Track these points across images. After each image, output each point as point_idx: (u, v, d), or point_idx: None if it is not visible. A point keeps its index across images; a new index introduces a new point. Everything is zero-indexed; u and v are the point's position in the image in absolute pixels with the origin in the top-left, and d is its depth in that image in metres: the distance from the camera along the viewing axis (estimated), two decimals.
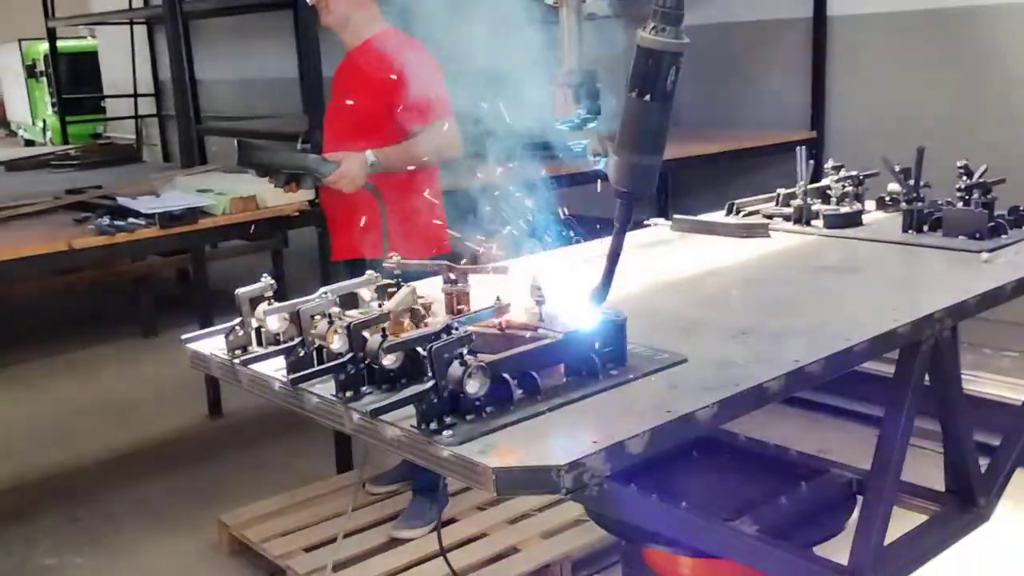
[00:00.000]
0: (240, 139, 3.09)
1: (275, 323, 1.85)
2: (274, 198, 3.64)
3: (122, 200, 3.65)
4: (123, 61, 10.73)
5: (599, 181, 1.79)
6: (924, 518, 2.27)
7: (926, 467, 2.49)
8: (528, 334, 1.68)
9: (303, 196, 3.59)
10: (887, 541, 2.02)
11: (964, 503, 2.22)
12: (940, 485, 2.34)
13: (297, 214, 3.74)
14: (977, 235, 2.49)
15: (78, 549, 3.63)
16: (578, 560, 3.27)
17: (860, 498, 2.27)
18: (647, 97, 1.58)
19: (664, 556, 2.30)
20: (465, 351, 1.50)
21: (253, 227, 3.69)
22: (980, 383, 4.09)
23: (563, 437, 1.44)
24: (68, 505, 3.97)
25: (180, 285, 7.66)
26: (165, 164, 8.72)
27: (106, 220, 3.45)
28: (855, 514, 2.23)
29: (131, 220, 3.46)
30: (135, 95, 10.77)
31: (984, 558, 3.09)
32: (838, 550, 2.06)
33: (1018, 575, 3.18)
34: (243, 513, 3.62)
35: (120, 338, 6.40)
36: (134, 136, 11.09)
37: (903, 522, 2.16)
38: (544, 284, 1.76)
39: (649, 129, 1.61)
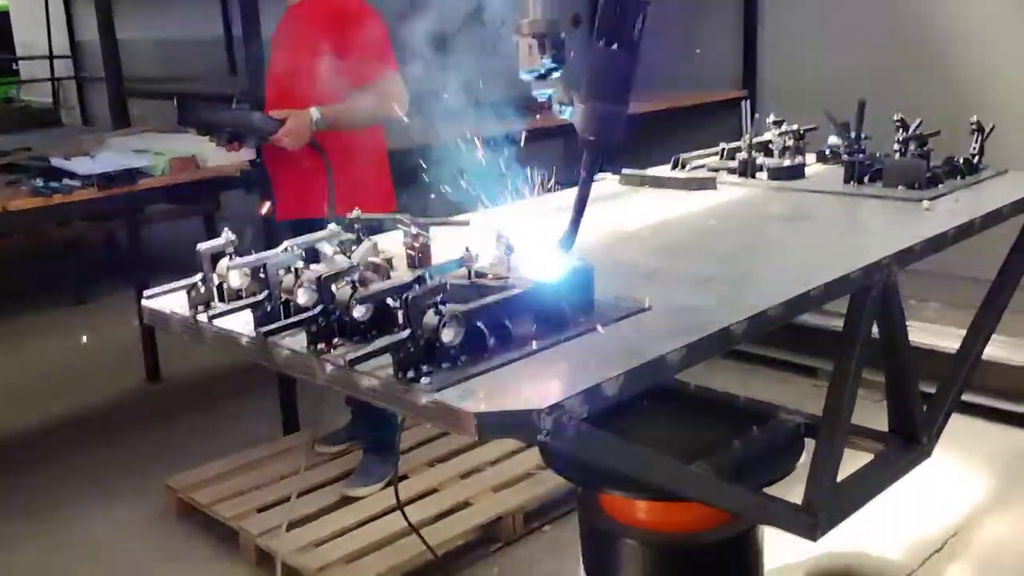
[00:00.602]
0: (179, 96, 3.02)
1: (237, 279, 1.83)
2: (214, 158, 3.58)
3: (55, 161, 3.54)
4: (37, 22, 10.35)
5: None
6: (870, 457, 2.36)
7: (859, 413, 2.59)
8: (497, 284, 1.70)
9: (244, 156, 3.53)
10: (838, 479, 2.11)
11: (908, 442, 2.32)
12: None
13: (238, 174, 3.68)
14: (916, 185, 2.58)
15: (21, 517, 3.55)
16: (530, 512, 3.32)
17: (808, 441, 2.35)
18: (614, 45, 1.60)
19: (621, 501, 2.36)
20: (439, 300, 1.51)
21: (192, 189, 3.62)
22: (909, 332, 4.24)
23: (540, 382, 1.47)
24: (6, 475, 3.88)
25: (108, 251, 7.48)
26: (86, 127, 8.46)
27: (40, 182, 3.36)
28: (803, 456, 2.32)
29: (66, 182, 3.37)
30: (51, 56, 10.41)
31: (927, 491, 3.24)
32: (786, 492, 2.14)
33: (957, 504, 3.33)
34: (190, 477, 3.59)
35: (49, 306, 6.23)
36: (51, 99, 10.73)
37: (850, 462, 2.25)
38: (509, 235, 1.78)
39: (616, 77, 1.63)
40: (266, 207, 3.31)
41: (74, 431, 4.35)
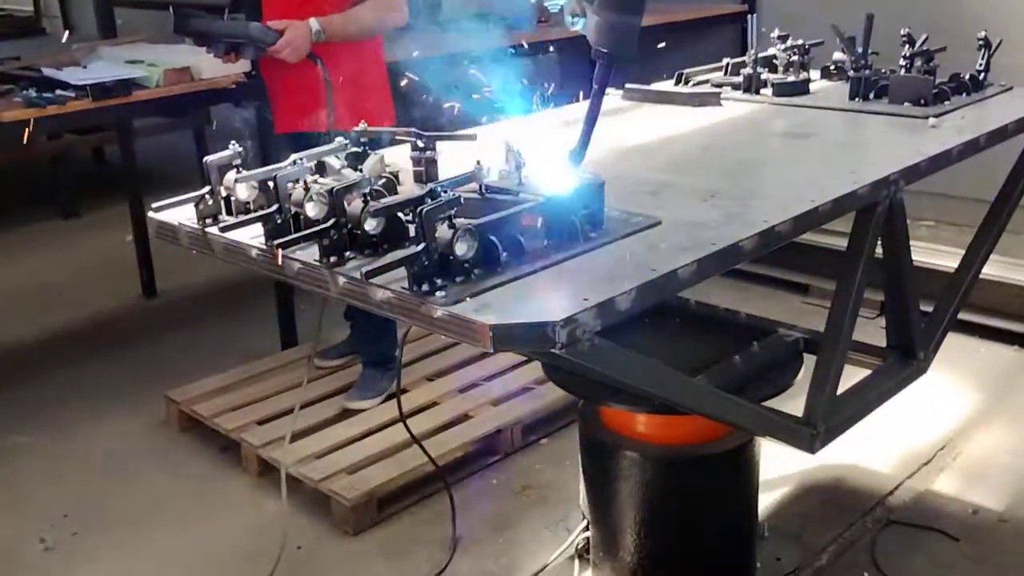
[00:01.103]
0: (176, 5, 2.95)
1: (245, 191, 1.82)
2: (210, 69, 3.52)
3: (47, 71, 3.47)
4: None
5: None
6: (867, 372, 2.40)
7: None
8: (508, 198, 1.69)
9: (241, 67, 3.47)
10: (837, 393, 2.14)
11: (906, 357, 2.36)
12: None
13: (233, 86, 3.62)
14: (922, 101, 2.57)
15: (22, 429, 3.59)
16: (528, 425, 3.38)
17: (807, 357, 2.39)
18: None
19: (622, 414, 2.40)
20: (452, 214, 1.51)
21: (187, 101, 3.57)
22: None
23: (553, 295, 1.48)
24: (5, 388, 3.90)
25: (97, 165, 7.40)
26: (70, 37, 8.27)
27: (32, 92, 3.30)
28: (801, 372, 2.36)
29: (59, 92, 3.31)
30: None
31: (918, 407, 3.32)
32: (784, 405, 2.18)
33: (947, 419, 3.41)
34: (191, 389, 3.62)
35: (39, 220, 6.18)
36: (32, 7, 10.47)
37: (848, 376, 2.28)
38: (519, 148, 1.77)
39: None
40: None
41: (71, 345, 4.36)
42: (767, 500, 2.94)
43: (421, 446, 2.78)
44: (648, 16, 5.19)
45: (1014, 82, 2.86)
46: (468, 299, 1.45)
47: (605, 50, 1.66)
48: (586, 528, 2.59)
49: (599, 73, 1.70)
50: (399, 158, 2.04)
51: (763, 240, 1.70)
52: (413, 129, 2.00)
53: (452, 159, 1.97)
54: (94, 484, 3.27)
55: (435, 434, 3.26)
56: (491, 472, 3.23)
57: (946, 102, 2.60)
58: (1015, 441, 3.27)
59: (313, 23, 3.05)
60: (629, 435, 2.39)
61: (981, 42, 2.79)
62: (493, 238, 1.54)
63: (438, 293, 1.46)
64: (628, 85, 2.89)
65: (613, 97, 2.89)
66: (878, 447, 3.20)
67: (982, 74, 2.78)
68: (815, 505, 2.97)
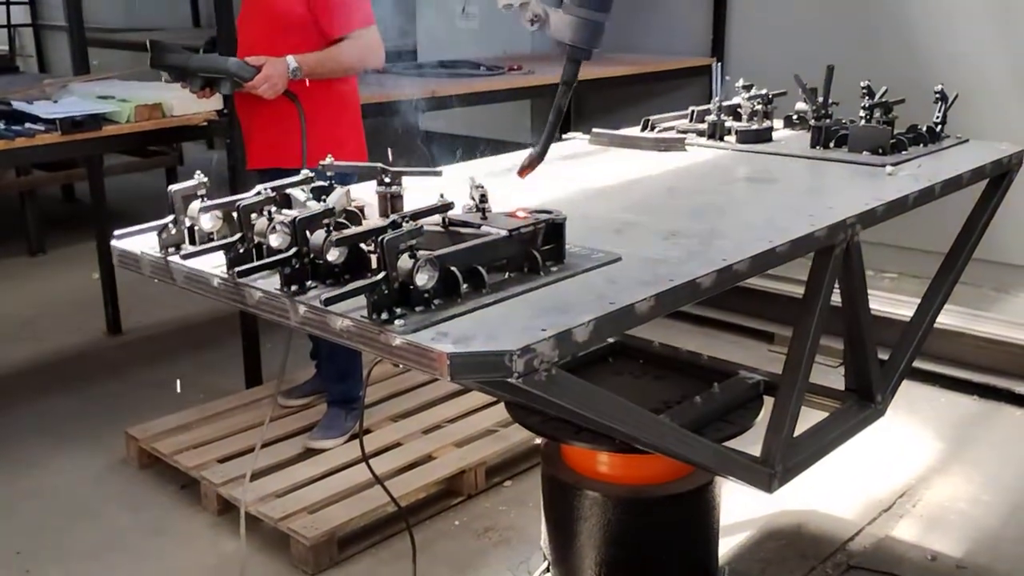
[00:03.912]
0: (153, 40, 2.97)
1: (208, 221, 1.83)
2: (181, 106, 3.54)
3: (17, 104, 3.47)
4: None
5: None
6: (825, 415, 2.42)
7: (818, 377, 2.66)
8: (471, 231, 1.71)
9: (213, 104, 3.49)
10: (795, 434, 2.16)
11: (863, 400, 2.38)
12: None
13: (205, 123, 3.64)
14: (880, 151, 2.63)
15: None
16: (492, 467, 3.37)
17: (767, 399, 2.41)
18: None
19: (583, 453, 2.41)
20: (414, 244, 1.53)
21: (158, 137, 3.58)
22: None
23: (512, 326, 1.48)
24: None
25: (66, 203, 7.37)
26: (44, 74, 8.28)
27: (1, 125, 3.30)
28: (762, 414, 2.38)
29: (28, 125, 3.32)
30: (8, 2, 10.17)
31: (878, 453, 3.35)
32: (743, 446, 2.19)
33: (907, 466, 3.44)
34: (152, 427, 3.58)
35: (4, 256, 6.13)
36: (7, 46, 10.49)
37: (806, 419, 2.31)
38: (483, 183, 1.80)
39: None
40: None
41: (34, 380, 4.31)
42: (729, 544, 2.95)
43: (383, 486, 2.74)
44: (621, 65, 5.28)
45: (970, 135, 2.93)
46: (427, 328, 1.45)
47: (577, 45, 1.71)
48: (547, 569, 2.58)
49: (567, 69, 1.75)
50: (365, 193, 2.06)
51: (721, 278, 1.72)
52: (379, 164, 2.02)
53: (418, 195, 1.99)
54: (50, 520, 3.21)
55: (398, 474, 3.24)
56: (453, 513, 3.21)
57: (903, 152, 2.66)
58: (974, 489, 3.30)
59: (291, 60, 3.08)
60: (591, 475, 2.39)
61: (938, 95, 2.87)
62: (454, 269, 1.56)
63: (397, 322, 1.47)
64: (595, 129, 2.94)
65: (580, 141, 2.94)
66: (839, 493, 3.22)
67: (939, 126, 2.85)
68: (776, 549, 2.98)
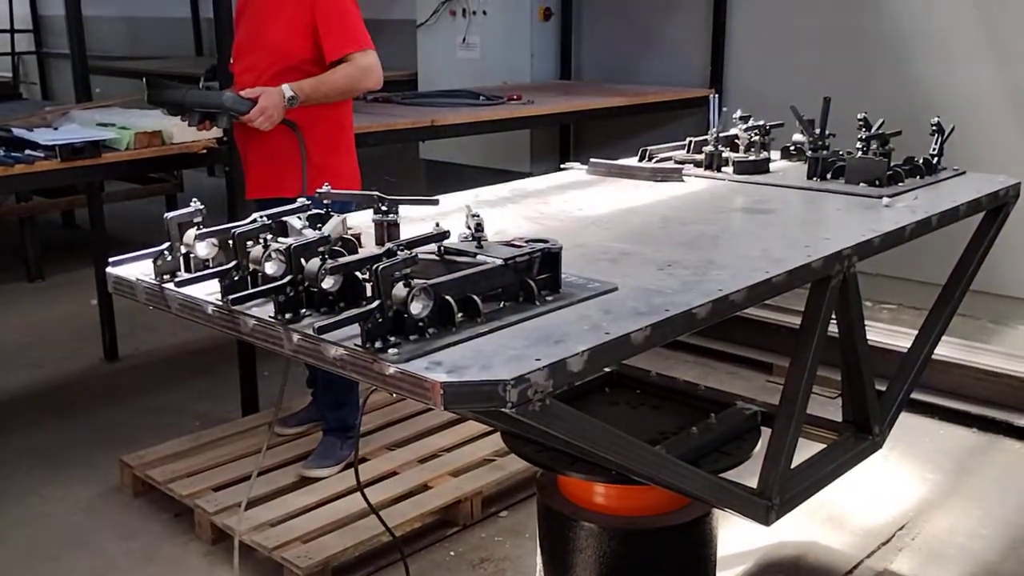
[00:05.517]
0: (149, 76, 2.99)
1: (204, 249, 1.83)
2: (180, 134, 3.55)
3: (17, 131, 3.48)
4: None
5: None
6: (823, 446, 2.41)
7: (816, 409, 2.65)
8: (466, 259, 1.71)
9: (212, 133, 3.50)
10: (792, 465, 2.15)
11: (861, 432, 2.37)
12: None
13: (204, 151, 3.65)
14: (877, 182, 2.64)
15: None
16: (488, 497, 3.34)
17: (764, 430, 2.40)
18: None
19: (579, 484, 2.39)
20: (408, 273, 1.53)
21: (157, 164, 3.59)
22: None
23: (506, 355, 1.48)
24: None
25: (66, 229, 7.38)
26: (47, 102, 8.34)
27: (0, 151, 3.31)
28: (759, 445, 2.37)
29: (28, 152, 3.32)
30: (12, 31, 10.25)
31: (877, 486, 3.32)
32: (741, 478, 2.18)
33: (906, 498, 3.42)
34: (147, 455, 3.55)
35: (3, 282, 6.13)
36: (11, 73, 10.57)
37: (804, 450, 2.29)
38: (479, 212, 1.80)
39: None
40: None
41: (29, 407, 4.28)
42: None
43: (378, 515, 2.73)
44: (614, 96, 5.33)
45: (967, 167, 2.94)
46: (421, 357, 1.45)
47: None
48: None
49: None
50: (361, 221, 2.07)
51: (717, 308, 1.72)
52: (376, 192, 2.02)
53: (414, 223, 1.99)
54: (43, 548, 3.18)
55: (393, 504, 3.21)
56: (449, 544, 3.18)
57: (900, 183, 2.67)
58: (972, 523, 3.27)
59: (286, 89, 3.09)
60: (587, 506, 2.37)
61: (935, 127, 2.88)
62: (448, 298, 1.55)
63: (391, 351, 1.46)
64: (592, 160, 2.95)
65: (578, 171, 2.95)
66: (838, 526, 3.20)
67: (936, 158, 2.86)
68: None
